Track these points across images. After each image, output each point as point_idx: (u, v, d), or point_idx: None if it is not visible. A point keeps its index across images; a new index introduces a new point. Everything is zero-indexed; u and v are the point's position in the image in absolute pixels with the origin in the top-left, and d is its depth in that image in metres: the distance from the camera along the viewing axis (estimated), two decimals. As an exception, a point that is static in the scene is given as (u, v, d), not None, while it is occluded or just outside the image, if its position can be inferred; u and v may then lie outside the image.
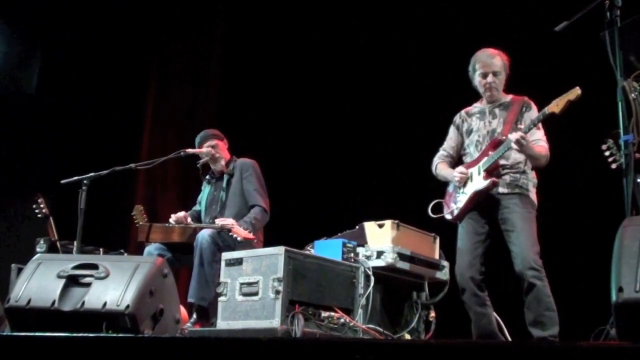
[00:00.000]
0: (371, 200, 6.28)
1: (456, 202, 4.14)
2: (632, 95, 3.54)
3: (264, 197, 4.83)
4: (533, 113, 4.04)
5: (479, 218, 4.06)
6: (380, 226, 4.54)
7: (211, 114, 7.25)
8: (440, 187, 4.39)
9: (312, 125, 6.87)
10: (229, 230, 4.40)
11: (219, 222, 4.52)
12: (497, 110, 4.14)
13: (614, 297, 2.25)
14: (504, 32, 5.58)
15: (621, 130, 3.31)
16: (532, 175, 4.06)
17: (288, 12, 7.06)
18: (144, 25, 7.38)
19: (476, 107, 4.26)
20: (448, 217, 4.22)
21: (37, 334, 2.78)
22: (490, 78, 4.09)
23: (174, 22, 7.63)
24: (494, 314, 4.09)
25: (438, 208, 4.30)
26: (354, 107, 6.75)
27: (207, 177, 5.07)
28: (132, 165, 4.96)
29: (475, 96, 4.32)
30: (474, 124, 4.20)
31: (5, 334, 3.15)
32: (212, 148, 4.93)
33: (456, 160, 4.32)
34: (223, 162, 4.96)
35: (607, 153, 3.82)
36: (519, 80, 4.24)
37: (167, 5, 7.56)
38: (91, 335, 2.70)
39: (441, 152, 4.37)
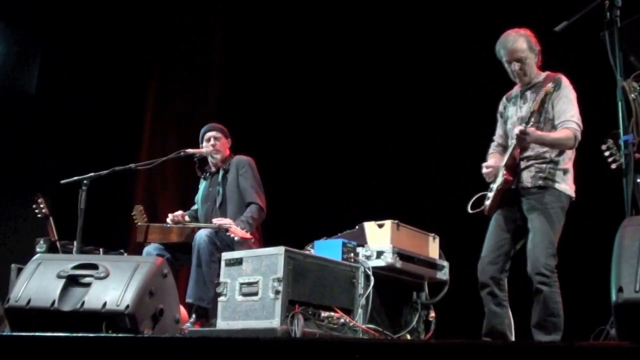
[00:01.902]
0: (371, 200, 6.28)
1: (488, 198, 3.99)
2: (632, 95, 3.53)
3: (260, 194, 4.82)
4: (563, 91, 3.79)
5: (508, 213, 3.88)
6: (380, 226, 4.54)
7: (211, 114, 7.25)
8: (439, 187, 4.40)
9: (312, 125, 6.87)
10: (227, 230, 4.40)
11: (217, 221, 4.53)
12: (528, 94, 3.92)
13: (614, 297, 2.25)
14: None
15: (621, 130, 3.31)
16: (563, 164, 3.81)
17: (288, 12, 7.07)
18: (144, 25, 7.37)
19: (514, 90, 4.06)
20: (484, 211, 4.01)
21: (37, 334, 2.78)
22: (515, 66, 3.87)
23: (174, 22, 7.63)
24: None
25: (480, 202, 4.13)
26: (354, 107, 6.76)
27: (204, 173, 5.08)
28: (132, 165, 4.97)
29: (475, 94, 4.30)
30: (510, 111, 4.01)
31: (5, 334, 3.15)
32: (214, 140, 4.94)
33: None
34: (220, 157, 4.96)
35: (607, 153, 3.80)
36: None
37: (167, 5, 7.56)
38: (91, 335, 2.70)
39: (492, 143, 4.18)
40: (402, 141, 6.39)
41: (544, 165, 3.80)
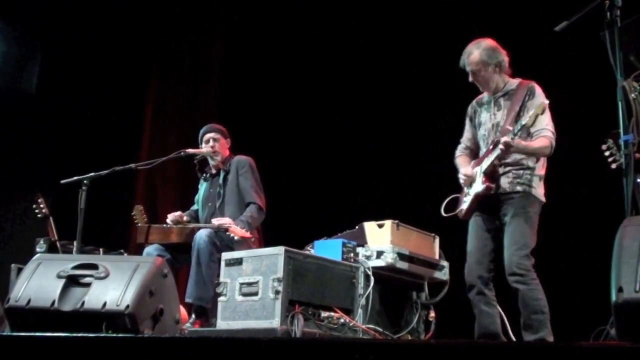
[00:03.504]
0: (371, 200, 6.28)
1: (464, 202, 4.10)
2: (632, 95, 3.53)
3: (260, 194, 4.82)
4: (537, 100, 3.87)
5: (486, 215, 4.00)
6: (380, 226, 4.54)
7: (211, 114, 7.25)
8: (439, 187, 4.39)
9: (312, 125, 6.87)
10: (226, 230, 4.40)
11: (216, 221, 4.53)
12: (501, 101, 4.03)
13: (613, 297, 2.25)
14: (504, 32, 5.56)
15: (621, 130, 3.31)
16: (538, 170, 3.93)
17: (288, 12, 7.06)
18: (144, 25, 7.37)
19: (485, 96, 4.16)
20: (459, 214, 4.16)
21: (37, 334, 2.78)
22: (470, 77, 4.04)
23: (174, 22, 7.63)
24: (501, 312, 4.05)
25: (453, 204, 4.23)
26: (354, 107, 6.76)
27: (204, 174, 5.08)
28: (132, 165, 4.96)
29: (475, 94, 4.30)
30: (483, 117, 4.11)
31: (5, 334, 3.15)
32: (213, 141, 4.94)
33: (476, 151, 4.21)
34: (220, 158, 4.96)
35: (607, 153, 3.81)
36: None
37: (167, 5, 7.56)
38: (91, 335, 2.70)
39: (460, 146, 4.30)
40: (402, 141, 6.39)
41: (521, 172, 3.91)
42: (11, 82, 7.09)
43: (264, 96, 7.21)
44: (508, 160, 3.92)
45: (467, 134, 4.27)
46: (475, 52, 3.99)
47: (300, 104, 7.00)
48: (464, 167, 4.15)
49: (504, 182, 3.93)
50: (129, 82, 7.22)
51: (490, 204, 3.97)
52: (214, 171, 5.03)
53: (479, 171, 4.03)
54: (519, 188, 3.89)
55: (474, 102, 4.23)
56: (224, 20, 7.72)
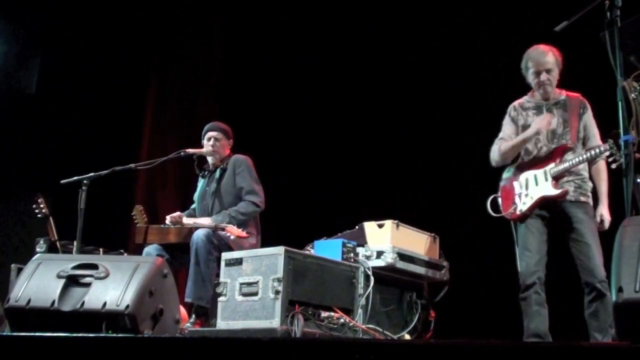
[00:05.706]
0: (371, 200, 6.28)
1: (522, 203, 4.08)
2: (632, 95, 3.53)
3: (256, 192, 4.80)
4: (589, 115, 4.09)
5: (543, 217, 4.04)
6: (380, 226, 4.54)
7: (211, 114, 7.24)
8: (439, 187, 4.40)
9: (312, 125, 6.87)
10: (223, 229, 4.41)
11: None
12: (554, 109, 4.12)
13: (613, 297, 2.25)
14: (504, 32, 5.57)
15: (621, 130, 3.31)
16: (588, 179, 4.10)
17: (288, 12, 7.06)
18: (144, 25, 7.37)
19: (530, 101, 4.21)
20: (508, 215, 4.14)
21: (37, 334, 2.78)
22: (543, 76, 4.08)
23: (174, 22, 7.63)
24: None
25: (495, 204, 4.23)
26: (354, 107, 6.76)
27: (202, 171, 5.09)
28: (132, 165, 4.96)
29: (475, 94, 4.30)
30: (531, 120, 4.15)
31: (5, 334, 3.15)
32: (214, 140, 4.95)
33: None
34: (219, 157, 4.97)
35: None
36: (519, 81, 4.23)
37: (168, 6, 7.56)
38: (91, 335, 2.70)
39: (501, 139, 4.27)
40: (402, 141, 6.39)
41: (580, 182, 4.03)
42: (11, 82, 7.09)
43: (264, 96, 7.21)
44: (572, 170, 4.02)
45: (508, 131, 4.25)
46: (550, 53, 4.10)
47: (301, 103, 7.00)
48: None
49: (569, 190, 4.00)
50: (129, 82, 7.23)
51: (554, 207, 4.01)
52: (212, 168, 5.03)
53: (541, 175, 4.04)
54: (582, 198, 4.01)
55: (515, 104, 4.26)
56: (224, 20, 7.72)
